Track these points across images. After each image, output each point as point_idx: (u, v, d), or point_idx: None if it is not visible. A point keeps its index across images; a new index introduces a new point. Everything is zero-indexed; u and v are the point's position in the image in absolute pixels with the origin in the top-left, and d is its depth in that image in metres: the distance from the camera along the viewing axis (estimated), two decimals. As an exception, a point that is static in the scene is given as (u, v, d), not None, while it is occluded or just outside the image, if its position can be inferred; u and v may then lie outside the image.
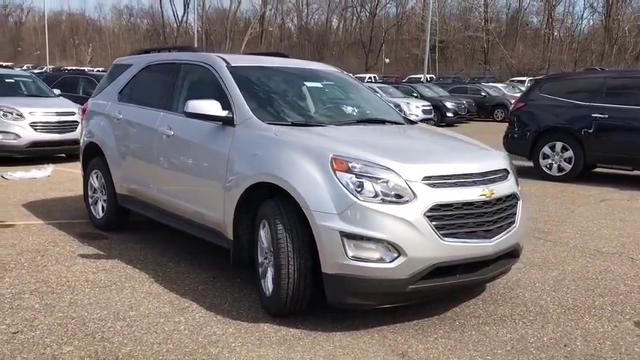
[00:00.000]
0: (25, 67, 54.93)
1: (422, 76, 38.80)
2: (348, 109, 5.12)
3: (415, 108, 21.74)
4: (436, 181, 3.62)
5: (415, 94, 24.23)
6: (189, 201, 4.69)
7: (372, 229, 3.46)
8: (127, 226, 6.06)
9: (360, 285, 3.52)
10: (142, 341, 3.50)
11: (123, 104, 5.77)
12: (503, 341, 3.63)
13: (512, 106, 11.16)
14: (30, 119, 10.52)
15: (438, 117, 22.98)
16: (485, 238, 3.73)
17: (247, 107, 4.33)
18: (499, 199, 3.88)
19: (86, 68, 61.55)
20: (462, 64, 61.22)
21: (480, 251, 3.72)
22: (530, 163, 10.47)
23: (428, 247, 3.52)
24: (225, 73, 4.64)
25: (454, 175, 3.71)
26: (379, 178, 3.54)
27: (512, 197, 4.07)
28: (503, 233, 3.87)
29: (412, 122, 5.21)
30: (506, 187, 4.00)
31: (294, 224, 3.66)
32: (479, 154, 4.19)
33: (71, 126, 10.95)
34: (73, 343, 3.46)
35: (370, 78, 47.91)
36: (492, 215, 3.80)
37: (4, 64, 65.57)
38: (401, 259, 3.49)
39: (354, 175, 3.54)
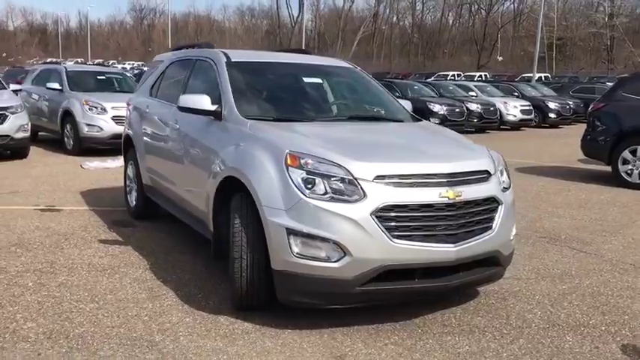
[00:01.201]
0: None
1: (538, 75, 36.81)
2: (344, 106, 5.01)
3: (513, 108, 20.80)
4: (391, 180, 3.47)
5: (516, 94, 23.12)
6: (188, 193, 4.83)
7: (317, 227, 3.39)
8: (158, 215, 6.31)
9: (306, 283, 3.45)
10: (99, 324, 3.66)
11: (151, 99, 6.05)
12: (456, 353, 3.40)
13: (591, 106, 10.33)
14: (112, 113, 11.27)
15: (540, 117, 21.83)
16: (447, 242, 3.52)
17: (233, 102, 4.38)
18: (469, 203, 3.64)
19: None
20: (582, 63, 57.49)
21: (440, 256, 3.51)
22: (608, 168, 9.67)
23: (375, 248, 3.38)
24: (222, 68, 4.73)
25: (413, 174, 3.52)
26: (330, 176, 3.45)
27: (491, 201, 3.80)
28: (473, 239, 3.63)
29: (418, 119, 5.00)
30: (481, 190, 3.74)
31: (250, 219, 3.66)
32: (454, 154, 3.95)
33: None
34: (37, 320, 3.69)
35: (480, 76, 46.45)
36: (457, 219, 3.57)
37: (136, 63, 70.97)
38: (346, 259, 3.38)
39: (304, 172, 3.47)
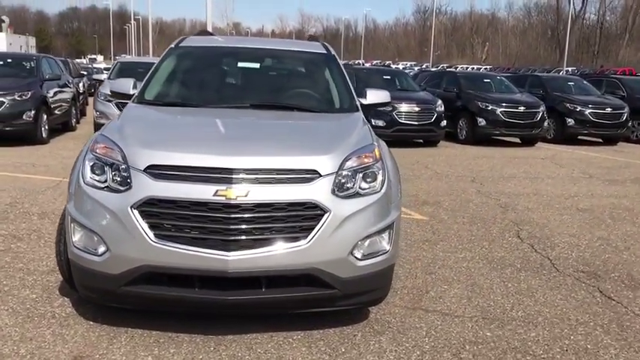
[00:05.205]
0: (424, 66, 60.50)
1: None
2: (259, 92, 4.39)
3: None
4: (162, 172, 3.06)
5: None
6: None
7: (84, 216, 3.21)
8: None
9: (81, 275, 3.28)
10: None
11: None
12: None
13: None
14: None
15: None
16: (221, 249, 2.95)
17: (144, 85, 4.31)
18: (262, 205, 2.99)
19: (476, 66, 63.69)
20: None
21: (210, 264, 2.96)
22: None
23: (134, 246, 3.03)
24: (165, 51, 4.68)
25: (190, 167, 3.04)
26: (115, 163, 3.19)
27: (307, 207, 3.05)
28: (264, 249, 2.98)
29: (356, 111, 4.20)
30: (289, 191, 3.05)
31: None
32: (274, 148, 3.27)
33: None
34: None
35: None
36: (238, 223, 2.97)
37: (409, 63, 73.26)
38: (107, 254, 3.10)
39: (94, 157, 3.28)
